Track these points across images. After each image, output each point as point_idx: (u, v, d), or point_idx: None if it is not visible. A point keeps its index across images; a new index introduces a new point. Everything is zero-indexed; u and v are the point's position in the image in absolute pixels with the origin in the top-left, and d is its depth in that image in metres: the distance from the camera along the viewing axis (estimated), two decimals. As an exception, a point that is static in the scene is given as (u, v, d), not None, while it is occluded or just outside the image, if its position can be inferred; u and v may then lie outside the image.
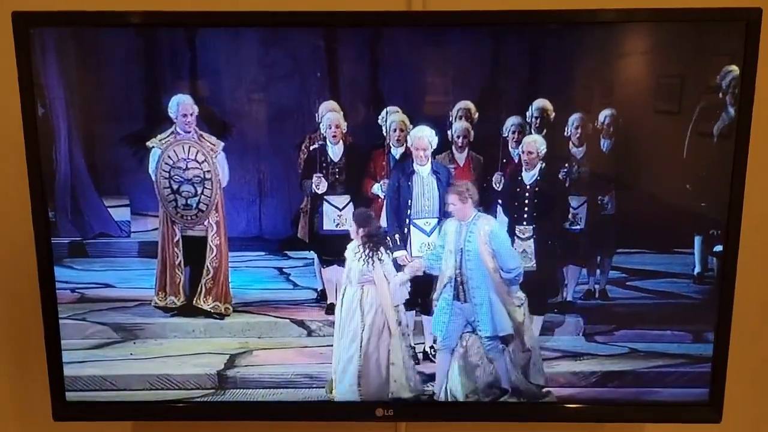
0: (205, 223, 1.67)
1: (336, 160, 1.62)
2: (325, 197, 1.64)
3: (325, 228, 1.67)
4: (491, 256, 1.62)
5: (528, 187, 1.61)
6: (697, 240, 1.60)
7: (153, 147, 1.60)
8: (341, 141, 1.60)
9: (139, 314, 1.71)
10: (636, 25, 1.56)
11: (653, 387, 1.70)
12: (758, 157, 1.60)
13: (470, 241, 1.61)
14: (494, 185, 1.62)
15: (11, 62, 1.51)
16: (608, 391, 1.70)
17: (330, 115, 1.58)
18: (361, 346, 1.69)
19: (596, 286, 1.67)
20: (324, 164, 1.62)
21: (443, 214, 1.65)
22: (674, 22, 1.53)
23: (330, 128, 1.59)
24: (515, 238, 1.65)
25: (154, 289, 1.69)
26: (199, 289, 1.70)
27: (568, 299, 1.67)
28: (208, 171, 1.61)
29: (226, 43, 1.57)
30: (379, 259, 1.64)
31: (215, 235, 1.67)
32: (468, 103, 1.57)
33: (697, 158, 1.56)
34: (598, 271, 1.66)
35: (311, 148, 1.61)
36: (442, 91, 1.59)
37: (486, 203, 1.63)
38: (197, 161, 1.60)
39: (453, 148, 1.60)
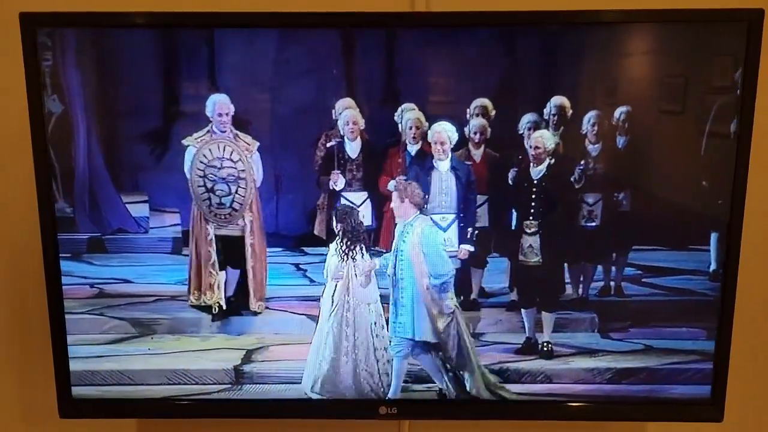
0: (239, 222, 1.65)
1: (353, 156, 1.63)
2: (342, 194, 1.65)
3: (342, 224, 1.66)
4: (421, 259, 1.61)
5: (535, 182, 1.61)
6: (713, 237, 1.61)
7: (188, 145, 1.60)
8: (358, 138, 1.61)
9: (157, 310, 1.70)
10: (648, 26, 1.56)
11: (667, 384, 1.69)
12: (762, 156, 1.61)
13: (404, 241, 1.64)
14: (510, 182, 1.61)
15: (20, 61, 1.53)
16: (623, 389, 1.69)
17: (347, 112, 1.59)
18: (332, 343, 1.70)
19: (612, 283, 1.66)
20: (341, 161, 1.63)
21: (461, 211, 1.63)
22: (677, 22, 1.54)
23: (347, 125, 1.60)
24: (523, 233, 1.63)
25: (187, 287, 1.70)
26: (249, 291, 1.71)
27: (582, 296, 1.66)
28: (243, 170, 1.62)
29: (244, 43, 1.58)
30: (353, 258, 1.63)
31: (251, 234, 1.65)
32: (485, 101, 1.58)
33: (714, 156, 1.55)
34: (613, 268, 1.66)
35: (328, 145, 1.61)
36: (459, 89, 1.59)
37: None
38: (232, 160, 1.62)
39: (469, 144, 1.60)
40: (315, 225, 1.68)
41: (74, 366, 1.73)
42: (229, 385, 1.74)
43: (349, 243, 1.64)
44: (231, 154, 1.63)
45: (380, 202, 1.67)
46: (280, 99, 1.59)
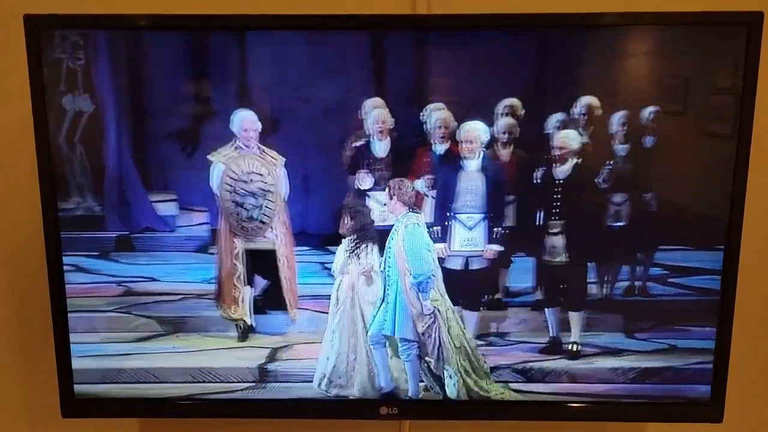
0: (268, 234, 1.68)
1: (381, 156, 1.64)
2: (368, 193, 1.65)
3: (368, 223, 1.67)
4: (404, 257, 1.63)
5: (559, 182, 1.62)
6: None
7: (215, 162, 1.62)
8: (387, 137, 1.62)
9: (183, 308, 1.71)
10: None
11: (692, 384, 1.69)
12: (761, 157, 1.63)
13: (392, 238, 1.65)
14: (536, 181, 1.62)
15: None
16: (648, 388, 1.70)
17: (376, 112, 1.60)
18: (338, 340, 1.73)
19: (637, 283, 1.67)
20: (369, 160, 1.63)
21: (489, 210, 1.64)
22: (677, 25, 1.56)
23: (376, 124, 1.61)
24: (547, 233, 1.64)
25: (216, 302, 1.73)
26: (286, 302, 1.72)
27: (607, 296, 1.67)
28: (272, 184, 1.63)
29: (273, 44, 1.59)
30: (357, 256, 1.65)
31: (284, 246, 1.68)
32: (513, 100, 1.59)
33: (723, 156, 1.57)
34: (638, 268, 1.66)
35: (356, 144, 1.62)
36: (487, 88, 1.60)
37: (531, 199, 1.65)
38: (260, 174, 1.63)
39: (498, 144, 1.61)
40: (341, 224, 1.68)
41: (100, 363, 1.74)
42: (253, 384, 1.74)
43: (357, 241, 1.65)
44: (260, 168, 1.64)
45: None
46: (308, 99, 1.60)
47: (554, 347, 1.72)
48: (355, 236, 1.67)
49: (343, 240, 1.69)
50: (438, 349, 1.70)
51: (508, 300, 1.72)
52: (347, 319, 1.72)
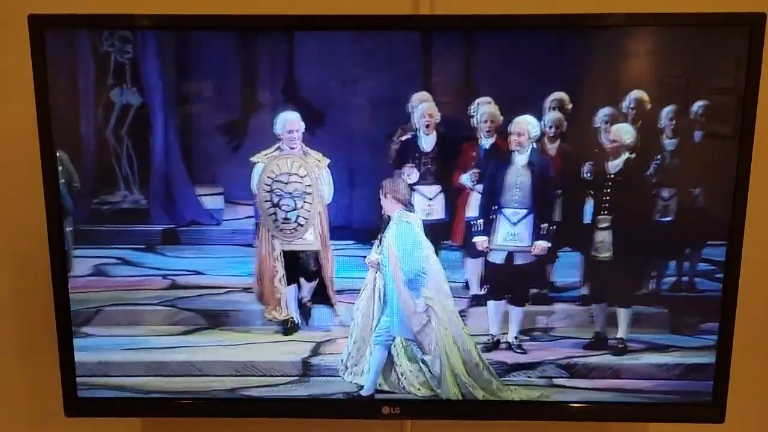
0: (307, 236, 1.69)
1: (427, 150, 1.63)
2: (415, 187, 1.65)
3: (414, 217, 1.67)
4: (396, 254, 1.63)
5: (610, 176, 1.61)
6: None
7: (257, 162, 1.63)
8: (434, 131, 1.61)
9: (228, 301, 1.71)
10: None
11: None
12: (763, 158, 1.61)
13: (385, 236, 1.65)
14: (584, 176, 1.62)
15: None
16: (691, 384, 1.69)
17: (423, 106, 1.60)
18: (359, 327, 1.73)
19: (684, 279, 1.66)
20: (415, 154, 1.63)
21: (535, 206, 1.64)
22: (680, 26, 1.56)
23: (423, 118, 1.60)
24: (596, 228, 1.63)
25: (260, 303, 1.73)
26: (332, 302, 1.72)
27: (655, 291, 1.66)
28: (309, 185, 1.63)
29: (322, 41, 1.59)
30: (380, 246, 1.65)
31: (323, 248, 1.70)
32: (561, 94, 1.58)
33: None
34: (686, 263, 1.65)
35: (403, 138, 1.62)
36: (535, 82, 1.59)
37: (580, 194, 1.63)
38: (299, 175, 1.63)
39: (545, 139, 1.60)
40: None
41: (145, 357, 1.74)
42: (297, 378, 1.74)
43: (384, 231, 1.64)
44: (299, 169, 1.64)
45: (453, 195, 1.66)
46: (355, 93, 1.60)
47: (599, 343, 1.70)
48: (384, 226, 1.66)
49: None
50: (435, 347, 1.68)
51: (553, 295, 1.69)
52: (366, 306, 1.71)
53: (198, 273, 1.71)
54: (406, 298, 1.68)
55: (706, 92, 1.57)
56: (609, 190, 1.62)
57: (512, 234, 1.68)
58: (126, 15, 1.56)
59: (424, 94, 1.60)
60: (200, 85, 1.62)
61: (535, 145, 1.62)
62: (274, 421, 1.87)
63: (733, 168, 1.59)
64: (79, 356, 1.74)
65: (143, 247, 1.70)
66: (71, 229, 1.68)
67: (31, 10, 1.54)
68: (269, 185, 1.66)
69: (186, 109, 1.62)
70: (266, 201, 1.67)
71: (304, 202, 1.67)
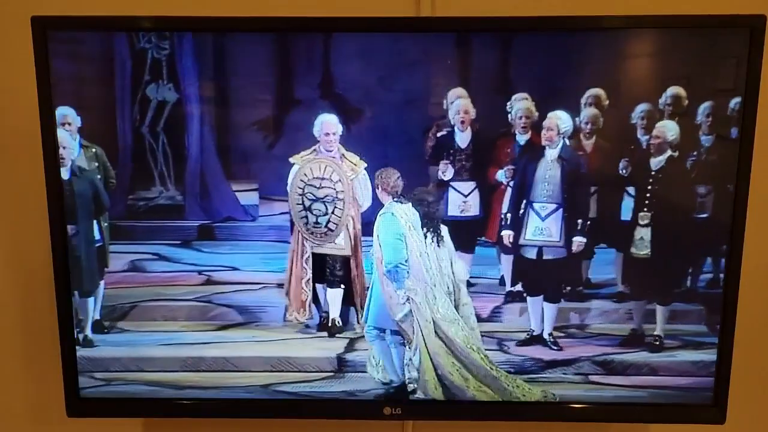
0: (338, 241, 1.71)
1: (463, 146, 1.63)
2: (450, 183, 1.64)
3: (449, 214, 1.68)
4: (378, 245, 1.64)
5: (653, 172, 1.60)
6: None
7: (294, 164, 1.64)
8: (469, 128, 1.61)
9: (263, 297, 1.72)
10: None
11: None
12: (763, 160, 1.60)
13: (376, 226, 1.66)
14: (620, 171, 1.61)
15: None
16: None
17: (459, 102, 1.59)
18: None
19: (721, 275, 1.65)
20: (451, 151, 1.63)
21: (564, 201, 1.63)
22: (681, 28, 1.55)
23: (458, 114, 1.60)
24: (637, 225, 1.62)
25: (287, 305, 1.75)
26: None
27: (692, 288, 1.65)
28: (342, 191, 1.64)
29: (358, 40, 1.60)
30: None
31: (354, 254, 1.71)
32: (598, 90, 1.57)
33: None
34: (723, 260, 1.64)
35: (438, 134, 1.61)
36: (571, 78, 1.58)
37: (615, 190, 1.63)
38: (331, 180, 1.63)
39: (581, 135, 1.60)
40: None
41: (180, 352, 1.74)
42: (332, 373, 1.74)
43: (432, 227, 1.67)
44: (331, 175, 1.63)
45: (488, 192, 1.65)
46: (392, 90, 1.59)
47: (636, 340, 1.69)
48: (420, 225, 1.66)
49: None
50: (416, 338, 1.69)
51: (589, 292, 1.69)
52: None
53: (233, 269, 1.71)
54: (388, 289, 1.68)
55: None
56: (651, 187, 1.60)
57: (541, 229, 1.67)
58: (129, 17, 1.58)
59: (460, 91, 1.59)
60: (236, 82, 1.62)
61: (567, 141, 1.60)
62: (274, 421, 1.88)
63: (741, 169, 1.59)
64: (113, 351, 1.75)
65: (179, 242, 1.70)
66: (107, 224, 1.68)
67: (36, 11, 1.55)
68: (301, 188, 1.67)
69: (222, 105, 1.62)
70: (297, 204, 1.68)
71: (335, 207, 1.68)
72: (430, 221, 1.68)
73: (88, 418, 1.80)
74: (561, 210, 1.66)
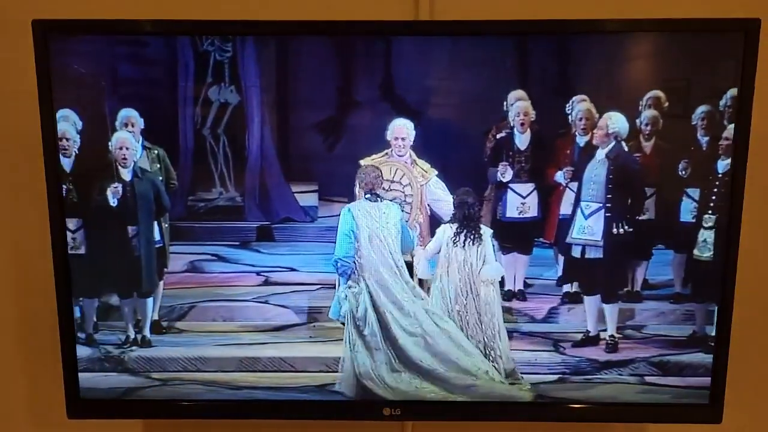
0: None
1: (522, 148, 1.64)
2: (509, 185, 1.65)
3: (507, 215, 1.68)
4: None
5: (720, 175, 1.60)
6: None
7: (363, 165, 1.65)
8: (528, 129, 1.62)
9: (320, 297, 1.72)
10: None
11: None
12: (758, 162, 1.62)
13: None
14: (680, 173, 1.61)
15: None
16: None
17: (519, 104, 1.60)
18: None
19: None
20: (510, 152, 1.64)
21: (608, 201, 1.64)
22: (676, 32, 1.57)
23: (518, 116, 1.61)
24: (701, 227, 1.63)
25: None
26: None
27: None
28: (410, 195, 1.64)
29: (419, 44, 1.62)
30: (457, 245, 1.67)
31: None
32: (658, 92, 1.57)
33: None
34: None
35: (498, 136, 1.62)
36: (631, 80, 1.59)
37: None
38: (401, 183, 1.64)
39: (640, 137, 1.60)
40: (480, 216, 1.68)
41: (238, 352, 1.75)
42: (387, 372, 1.75)
43: (458, 231, 1.71)
44: (401, 178, 1.66)
45: (546, 193, 1.66)
46: (451, 92, 1.60)
47: (695, 341, 1.70)
48: (458, 226, 1.66)
49: (443, 225, 1.69)
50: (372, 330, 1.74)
51: (646, 293, 1.69)
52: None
53: (292, 270, 1.72)
54: (338, 283, 1.72)
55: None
56: (717, 190, 1.60)
57: (584, 227, 1.67)
58: (130, 21, 1.60)
59: (519, 92, 1.60)
60: (297, 83, 1.63)
61: (624, 143, 1.60)
62: (274, 422, 1.88)
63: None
64: (171, 352, 1.75)
65: (238, 243, 1.71)
66: (167, 225, 1.70)
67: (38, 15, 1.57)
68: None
69: (283, 107, 1.63)
70: None
71: (402, 210, 1.68)
72: (469, 222, 1.66)
73: (89, 419, 1.80)
74: (603, 210, 1.65)
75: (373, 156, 1.65)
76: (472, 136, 1.64)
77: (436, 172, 1.65)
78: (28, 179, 1.77)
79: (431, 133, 1.64)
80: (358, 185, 1.67)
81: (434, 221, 1.71)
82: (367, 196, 1.66)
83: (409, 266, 1.72)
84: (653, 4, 1.68)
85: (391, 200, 1.68)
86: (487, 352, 1.73)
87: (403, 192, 1.67)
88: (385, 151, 1.64)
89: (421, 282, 1.72)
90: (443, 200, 1.68)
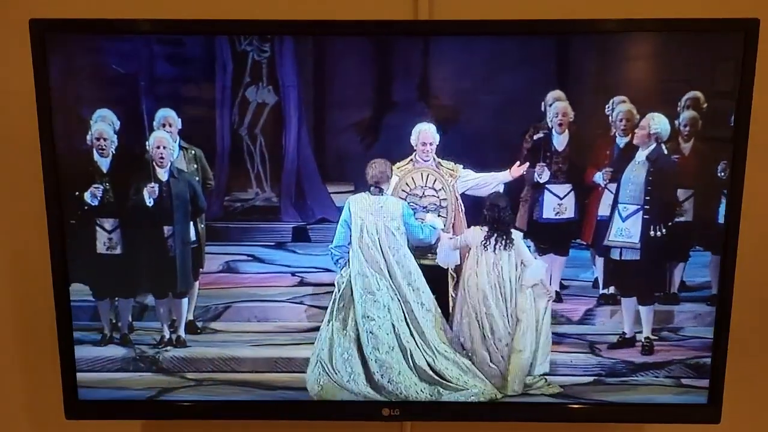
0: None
1: (560, 149, 1.63)
2: (546, 186, 1.65)
3: (544, 216, 1.68)
4: None
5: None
6: None
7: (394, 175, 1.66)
8: (567, 130, 1.61)
9: (355, 298, 1.72)
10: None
11: None
12: (758, 161, 1.61)
13: None
14: (719, 174, 1.61)
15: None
16: None
17: (558, 104, 1.59)
18: None
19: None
20: (548, 153, 1.63)
21: (646, 203, 1.63)
22: (676, 32, 1.56)
23: (557, 117, 1.60)
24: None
25: None
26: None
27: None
28: (445, 199, 1.65)
29: (457, 44, 1.61)
30: (486, 248, 1.68)
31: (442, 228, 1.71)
32: (697, 93, 1.57)
33: None
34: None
35: (535, 137, 1.62)
36: (670, 81, 1.58)
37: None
38: (434, 189, 1.65)
39: (679, 138, 1.60)
40: (516, 218, 1.68)
41: (270, 352, 1.76)
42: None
43: (489, 234, 1.71)
44: (434, 183, 1.65)
45: (584, 194, 1.65)
46: (489, 92, 1.60)
47: (732, 343, 1.69)
48: (488, 229, 1.66)
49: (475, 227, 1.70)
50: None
51: (683, 295, 1.69)
52: None
53: (327, 270, 1.71)
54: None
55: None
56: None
57: (621, 230, 1.67)
58: (129, 20, 1.59)
59: (558, 93, 1.60)
60: (335, 84, 1.63)
61: (663, 144, 1.59)
62: (273, 423, 1.88)
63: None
64: (206, 352, 1.75)
65: (273, 244, 1.71)
66: (203, 226, 1.70)
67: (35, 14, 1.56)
68: (404, 198, 1.70)
69: (320, 107, 1.63)
70: None
71: (439, 215, 1.69)
72: (501, 225, 1.66)
73: (87, 420, 1.80)
74: (641, 211, 1.65)
75: (397, 164, 1.65)
76: (509, 137, 1.63)
77: (462, 166, 1.64)
78: (28, 179, 1.75)
79: (468, 134, 1.63)
80: (366, 177, 1.66)
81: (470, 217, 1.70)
82: (368, 190, 1.65)
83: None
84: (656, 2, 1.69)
85: (403, 199, 1.69)
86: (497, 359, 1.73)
87: (437, 197, 1.66)
88: (410, 157, 1.64)
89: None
90: (478, 183, 1.67)
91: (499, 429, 1.88)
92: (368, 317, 1.69)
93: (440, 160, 1.65)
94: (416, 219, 1.69)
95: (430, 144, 1.63)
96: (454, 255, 1.71)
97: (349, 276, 1.70)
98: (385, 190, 1.67)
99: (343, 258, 1.70)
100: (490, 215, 1.67)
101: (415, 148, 1.64)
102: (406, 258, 1.69)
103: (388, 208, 1.67)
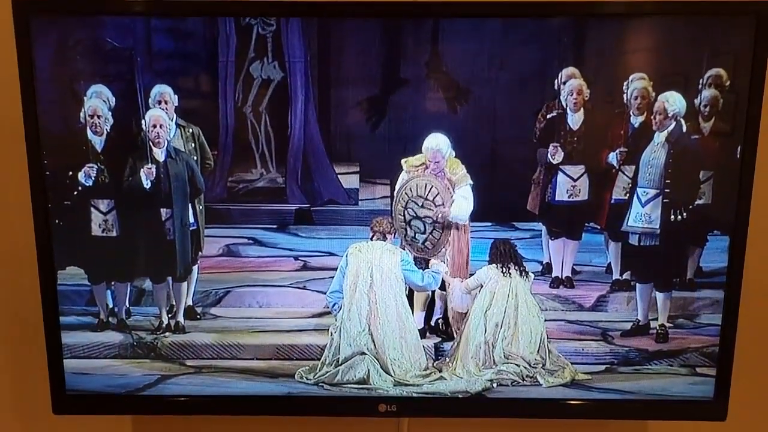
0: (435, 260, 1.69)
1: (575, 128, 1.57)
2: (560, 167, 1.59)
3: (557, 198, 1.62)
4: None
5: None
6: None
7: (404, 168, 1.60)
8: (582, 109, 1.55)
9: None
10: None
11: None
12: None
13: None
14: (739, 156, 1.55)
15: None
16: None
17: (573, 82, 1.54)
18: None
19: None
20: (562, 133, 1.57)
21: (666, 186, 1.57)
22: (688, 15, 1.51)
23: (571, 95, 1.54)
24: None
25: None
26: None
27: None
28: (444, 214, 1.63)
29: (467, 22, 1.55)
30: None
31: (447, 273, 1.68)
32: (720, 71, 1.51)
33: None
34: None
35: (549, 116, 1.56)
36: (691, 58, 1.52)
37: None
38: (434, 203, 1.60)
39: (699, 117, 1.54)
40: (528, 200, 1.62)
41: (272, 339, 1.71)
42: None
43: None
44: (435, 198, 1.61)
45: (598, 176, 1.60)
46: (503, 69, 1.54)
47: (750, 330, 1.64)
48: (501, 265, 1.68)
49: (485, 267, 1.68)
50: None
51: (699, 280, 1.63)
52: None
53: (331, 254, 1.66)
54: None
55: None
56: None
57: (641, 215, 1.61)
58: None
59: (573, 70, 1.53)
60: (344, 59, 1.56)
61: (680, 124, 1.54)
62: (269, 418, 1.83)
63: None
64: (205, 338, 1.69)
65: (275, 227, 1.64)
66: (202, 208, 1.63)
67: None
68: (405, 201, 1.63)
69: (328, 83, 1.56)
70: (400, 214, 1.65)
71: (434, 230, 1.64)
72: (512, 259, 1.67)
73: (75, 415, 1.75)
74: (661, 196, 1.59)
75: (410, 159, 1.59)
76: (522, 116, 1.57)
77: (470, 182, 1.60)
78: (15, 168, 1.66)
79: (480, 112, 1.56)
80: (370, 230, 1.63)
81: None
82: (372, 238, 1.64)
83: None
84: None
85: (401, 248, 1.67)
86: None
87: (434, 211, 1.65)
88: (423, 163, 1.59)
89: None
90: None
91: (497, 425, 1.83)
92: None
93: (450, 176, 1.60)
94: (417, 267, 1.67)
95: (437, 162, 1.60)
96: (467, 298, 1.67)
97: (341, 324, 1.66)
98: (390, 239, 1.63)
99: (336, 304, 1.64)
100: (497, 257, 1.67)
101: (425, 157, 1.60)
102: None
103: (386, 255, 1.63)
